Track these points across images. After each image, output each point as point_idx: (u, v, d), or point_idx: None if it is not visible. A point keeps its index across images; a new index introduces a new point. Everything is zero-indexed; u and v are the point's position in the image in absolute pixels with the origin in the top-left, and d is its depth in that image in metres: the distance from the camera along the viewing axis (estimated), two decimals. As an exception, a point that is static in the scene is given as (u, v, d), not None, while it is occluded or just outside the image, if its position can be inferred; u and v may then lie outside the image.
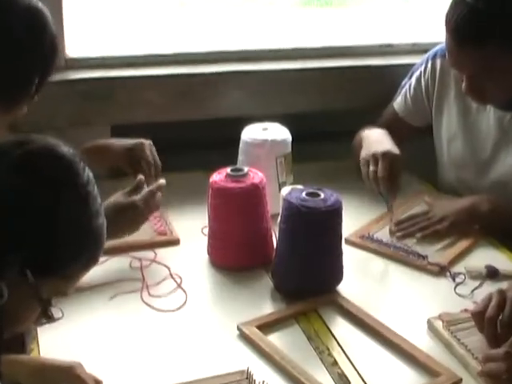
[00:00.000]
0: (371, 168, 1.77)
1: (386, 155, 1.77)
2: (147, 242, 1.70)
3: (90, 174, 1.02)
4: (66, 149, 1.01)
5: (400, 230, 1.77)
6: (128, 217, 1.56)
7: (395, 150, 1.81)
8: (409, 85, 2.03)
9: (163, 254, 1.68)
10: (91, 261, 1.04)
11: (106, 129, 2.10)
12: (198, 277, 1.63)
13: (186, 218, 1.82)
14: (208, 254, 1.69)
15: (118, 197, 1.59)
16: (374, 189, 1.77)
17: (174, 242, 1.73)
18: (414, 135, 2.07)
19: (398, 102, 2.06)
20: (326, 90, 2.20)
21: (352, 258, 1.66)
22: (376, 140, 1.88)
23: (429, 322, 1.45)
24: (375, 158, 1.78)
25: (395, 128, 2.02)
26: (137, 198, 1.59)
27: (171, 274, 1.61)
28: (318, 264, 1.52)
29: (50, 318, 1.04)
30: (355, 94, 2.22)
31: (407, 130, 2.05)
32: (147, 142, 1.81)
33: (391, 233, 1.77)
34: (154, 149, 1.81)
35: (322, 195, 1.52)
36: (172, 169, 2.05)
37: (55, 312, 1.05)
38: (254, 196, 1.62)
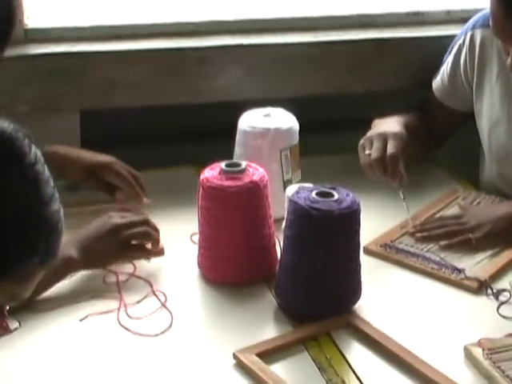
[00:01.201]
0: (366, 151, 1.83)
1: (382, 135, 1.83)
2: (125, 251, 1.70)
3: (39, 153, 1.01)
4: (5, 124, 1.00)
5: (422, 231, 1.78)
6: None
7: (395, 129, 1.86)
8: (447, 62, 2.03)
9: (144, 266, 1.68)
10: (47, 256, 1.02)
11: (74, 115, 2.10)
12: (187, 294, 1.63)
13: (171, 223, 1.81)
14: (198, 266, 1.69)
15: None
16: (374, 178, 1.82)
17: (158, 253, 1.72)
18: (461, 121, 2.06)
19: (436, 82, 2.06)
20: (342, 68, 2.20)
21: (372, 271, 1.67)
22: (380, 125, 1.92)
23: (466, 349, 1.45)
24: (370, 140, 1.84)
25: (436, 113, 2.03)
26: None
27: (154, 291, 1.61)
28: (330, 278, 1.52)
29: (5, 330, 1.03)
30: (376, 73, 2.22)
31: (450, 115, 2.05)
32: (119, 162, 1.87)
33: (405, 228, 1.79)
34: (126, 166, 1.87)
35: (336, 195, 1.52)
36: (156, 163, 2.06)
37: (11, 323, 1.04)
38: (253, 196, 1.63)
